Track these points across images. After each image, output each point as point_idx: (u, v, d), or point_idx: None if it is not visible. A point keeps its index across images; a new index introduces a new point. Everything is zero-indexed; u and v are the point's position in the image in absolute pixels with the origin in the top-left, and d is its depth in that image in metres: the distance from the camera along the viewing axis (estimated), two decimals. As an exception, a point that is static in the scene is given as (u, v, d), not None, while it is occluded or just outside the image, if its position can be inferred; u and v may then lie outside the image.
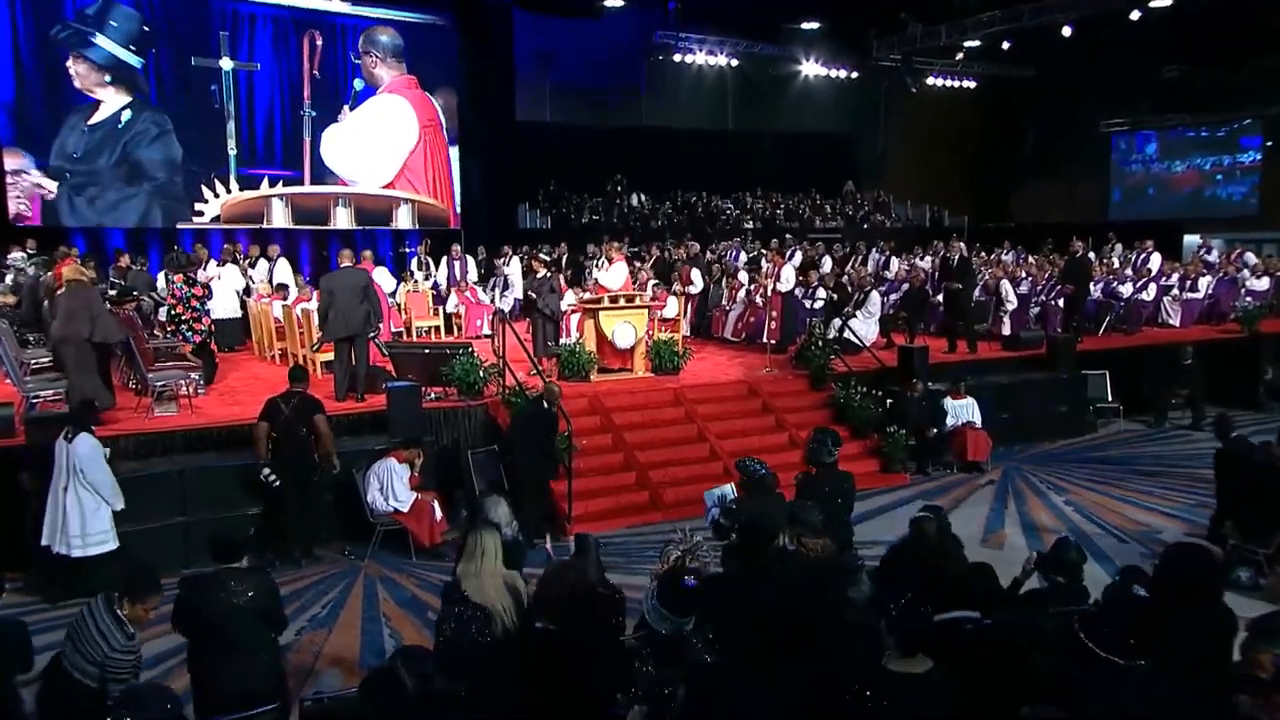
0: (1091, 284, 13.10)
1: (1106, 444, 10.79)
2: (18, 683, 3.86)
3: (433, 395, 8.81)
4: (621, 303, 9.87)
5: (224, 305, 11.93)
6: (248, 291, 12.51)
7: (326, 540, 7.48)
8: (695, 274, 13.48)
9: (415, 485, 7.38)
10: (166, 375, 8.44)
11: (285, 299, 11.49)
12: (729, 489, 5.66)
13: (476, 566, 4.03)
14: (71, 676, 3.81)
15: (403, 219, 17.74)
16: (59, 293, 7.94)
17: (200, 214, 15.91)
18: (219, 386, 9.65)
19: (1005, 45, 21.69)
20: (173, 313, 9.66)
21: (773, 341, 11.27)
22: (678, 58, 22.36)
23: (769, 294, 11.71)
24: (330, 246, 14.98)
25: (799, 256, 14.41)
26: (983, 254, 17.09)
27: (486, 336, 12.15)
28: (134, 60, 15.06)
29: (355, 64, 17.09)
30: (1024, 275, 13.84)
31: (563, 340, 10.53)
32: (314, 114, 16.71)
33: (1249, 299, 13.75)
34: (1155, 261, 14.71)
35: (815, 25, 22.44)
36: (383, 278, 12.02)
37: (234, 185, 16.16)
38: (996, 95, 25.40)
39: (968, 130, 25.18)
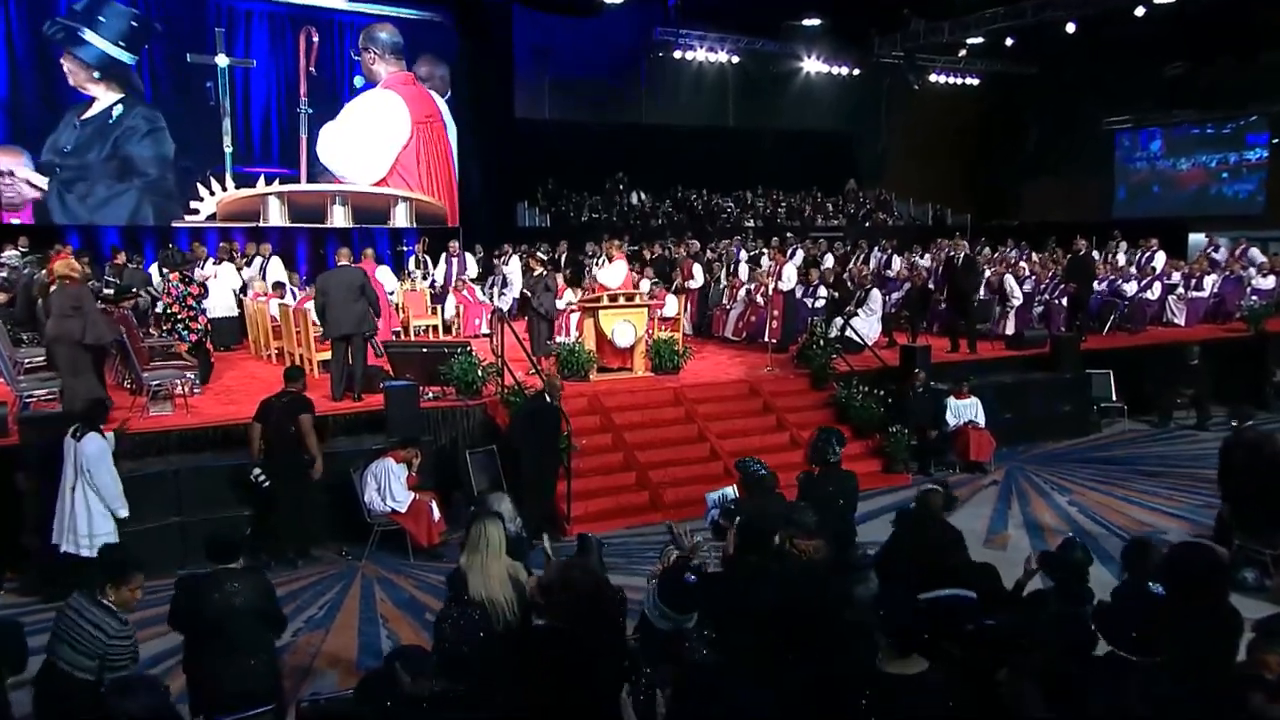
0: (1095, 283, 13.01)
1: (1111, 444, 10.71)
2: (10, 684, 3.82)
3: (430, 395, 8.74)
4: (621, 301, 9.80)
5: (220, 304, 11.87)
6: (244, 290, 12.44)
7: (323, 541, 7.42)
8: (696, 269, 13.42)
9: (413, 485, 7.32)
10: (162, 374, 8.40)
11: (282, 297, 11.42)
12: (731, 490, 5.60)
13: (481, 558, 4.02)
14: (71, 676, 3.80)
15: (400, 217, 17.66)
16: (52, 290, 7.87)
17: (196, 212, 15.84)
18: (215, 386, 9.59)
19: (1008, 42, 21.61)
20: (168, 311, 9.59)
21: (774, 340, 11.20)
22: (678, 54, 22.28)
23: (770, 293, 11.64)
24: (328, 245, 14.91)
25: (800, 255, 14.34)
26: (986, 250, 16.99)
27: (485, 336, 12.08)
28: (126, 57, 14.99)
29: (353, 61, 17.06)
30: (1028, 273, 13.74)
31: (560, 339, 10.46)
32: (310, 111, 16.65)
33: (1255, 297, 13.64)
34: (1159, 260, 14.61)
35: (817, 22, 22.36)
36: (385, 277, 11.95)
37: (229, 183, 16.10)
38: (999, 92, 25.31)
39: (970, 128, 25.11)
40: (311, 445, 6.91)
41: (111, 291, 9.69)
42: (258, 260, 13.06)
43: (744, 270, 13.65)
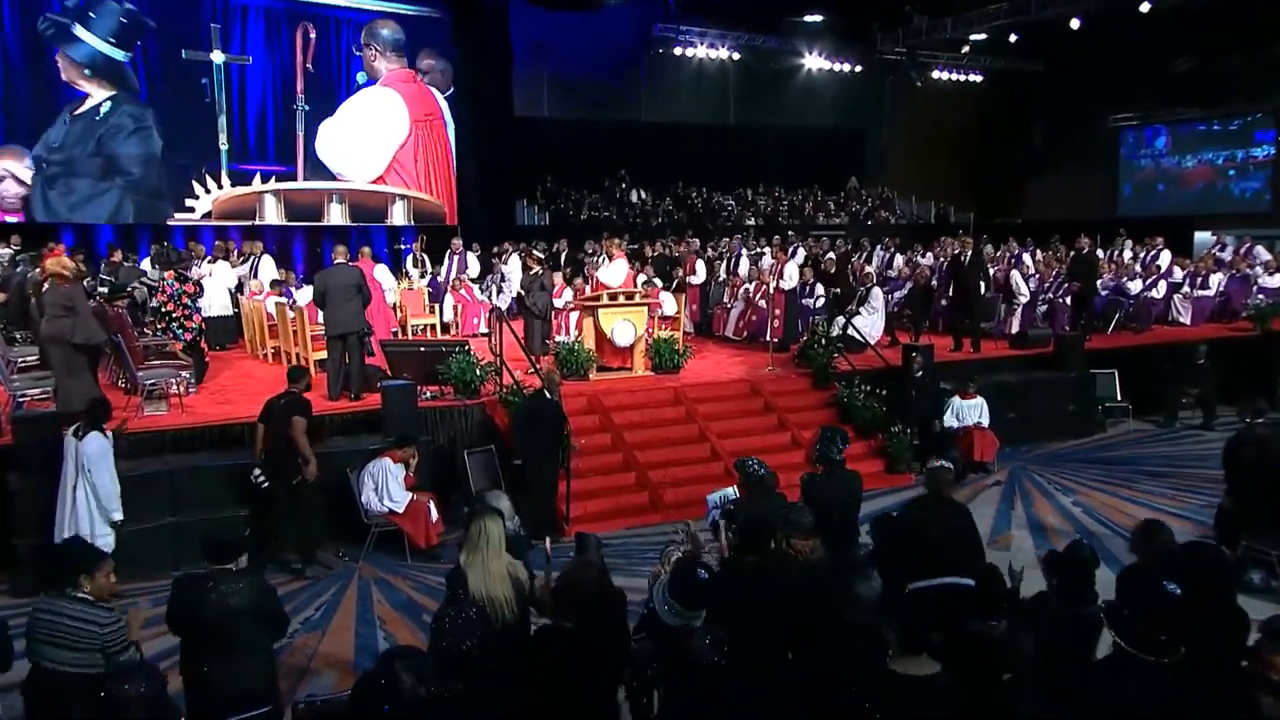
0: (1100, 281, 12.90)
1: (1115, 444, 10.63)
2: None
3: (428, 394, 8.68)
4: (621, 300, 9.71)
5: (216, 303, 11.79)
6: (240, 289, 12.36)
7: (321, 542, 7.33)
8: (699, 264, 13.37)
9: (410, 486, 7.26)
10: (156, 374, 8.35)
11: (280, 295, 11.34)
12: (732, 491, 5.53)
13: (482, 555, 4.00)
14: (59, 672, 3.79)
15: (398, 215, 17.56)
16: (44, 288, 7.80)
17: (191, 210, 15.74)
18: (210, 385, 9.52)
19: (1012, 38, 21.50)
20: (163, 310, 9.52)
21: (775, 340, 11.11)
22: (678, 51, 22.17)
23: (771, 292, 11.55)
24: (324, 243, 14.82)
25: (801, 253, 14.25)
26: (989, 247, 16.86)
27: (483, 335, 12.00)
28: (118, 54, 14.88)
29: (350, 57, 16.98)
30: (1032, 271, 13.65)
31: (559, 338, 10.37)
32: (307, 108, 16.55)
33: (1261, 296, 13.54)
34: (1165, 258, 14.50)
35: (818, 18, 22.24)
36: (383, 276, 11.88)
37: (225, 181, 16.00)
38: (1003, 89, 25.19)
39: (974, 125, 25.01)
40: (303, 447, 6.81)
41: (106, 290, 9.63)
42: (251, 259, 12.98)
43: (744, 267, 13.56)
